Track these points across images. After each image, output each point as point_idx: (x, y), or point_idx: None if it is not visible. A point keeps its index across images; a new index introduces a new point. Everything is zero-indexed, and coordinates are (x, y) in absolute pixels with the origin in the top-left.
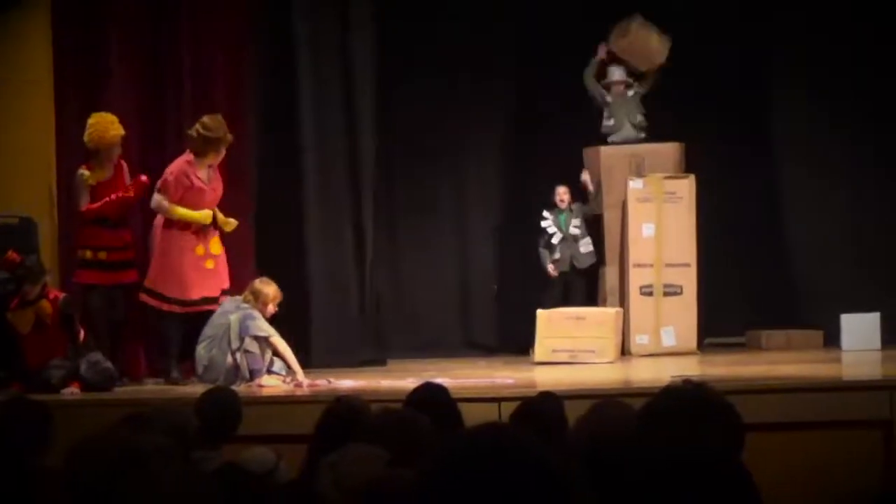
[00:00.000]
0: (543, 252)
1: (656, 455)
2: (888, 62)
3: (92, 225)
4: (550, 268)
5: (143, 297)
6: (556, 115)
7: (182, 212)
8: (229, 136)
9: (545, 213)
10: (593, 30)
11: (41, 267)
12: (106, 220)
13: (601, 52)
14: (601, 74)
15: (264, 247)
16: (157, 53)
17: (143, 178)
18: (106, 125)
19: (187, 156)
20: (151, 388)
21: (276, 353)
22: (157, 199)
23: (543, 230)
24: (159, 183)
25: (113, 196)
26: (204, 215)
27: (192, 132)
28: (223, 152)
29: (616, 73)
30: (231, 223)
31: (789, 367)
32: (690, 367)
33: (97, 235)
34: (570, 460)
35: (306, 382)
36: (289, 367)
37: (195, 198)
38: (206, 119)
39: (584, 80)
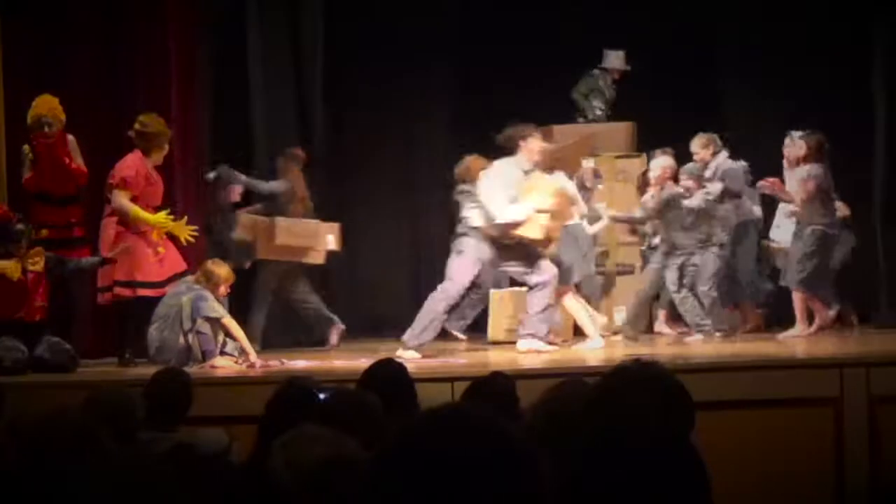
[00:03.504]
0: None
1: (606, 434)
2: (835, 48)
3: (35, 202)
4: None
5: (119, 290)
6: (507, 91)
7: (143, 215)
8: (168, 130)
9: None
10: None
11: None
12: (49, 197)
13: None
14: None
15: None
16: (108, 36)
17: (69, 136)
18: (33, 104)
19: (136, 153)
20: (104, 369)
21: (228, 334)
22: (119, 197)
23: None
24: (117, 181)
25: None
26: (160, 219)
27: (132, 132)
28: (166, 147)
29: (615, 61)
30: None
31: (740, 345)
32: (642, 347)
33: (39, 212)
34: (530, 437)
35: (259, 363)
36: (241, 347)
37: (153, 192)
38: (142, 117)
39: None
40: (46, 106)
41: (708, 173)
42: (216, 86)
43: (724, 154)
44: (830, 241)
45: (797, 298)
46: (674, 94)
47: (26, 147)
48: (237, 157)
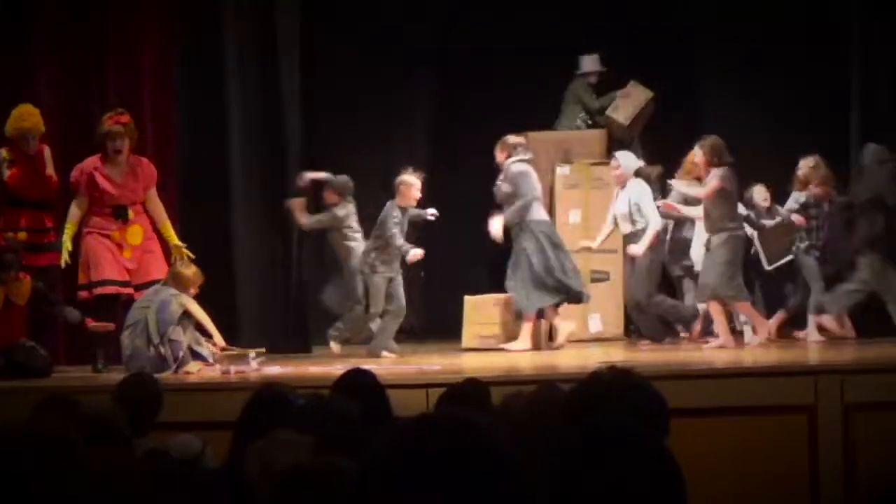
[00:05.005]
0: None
1: (580, 440)
2: (813, 54)
3: (13, 207)
4: None
5: (81, 294)
6: (483, 99)
7: (65, 230)
8: (116, 127)
9: None
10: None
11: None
12: (26, 202)
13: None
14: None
15: (191, 235)
16: (82, 42)
17: (46, 147)
18: (19, 115)
19: (96, 157)
20: (78, 375)
21: (198, 325)
22: (73, 201)
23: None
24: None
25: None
26: (65, 242)
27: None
28: (122, 144)
29: (590, 64)
30: (181, 248)
31: (715, 352)
32: (617, 353)
33: (17, 217)
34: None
35: (234, 369)
36: (206, 331)
37: (103, 195)
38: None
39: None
40: (32, 120)
41: (501, 176)
42: (190, 89)
43: (516, 158)
44: (741, 245)
45: (714, 309)
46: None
47: (4, 150)
48: None
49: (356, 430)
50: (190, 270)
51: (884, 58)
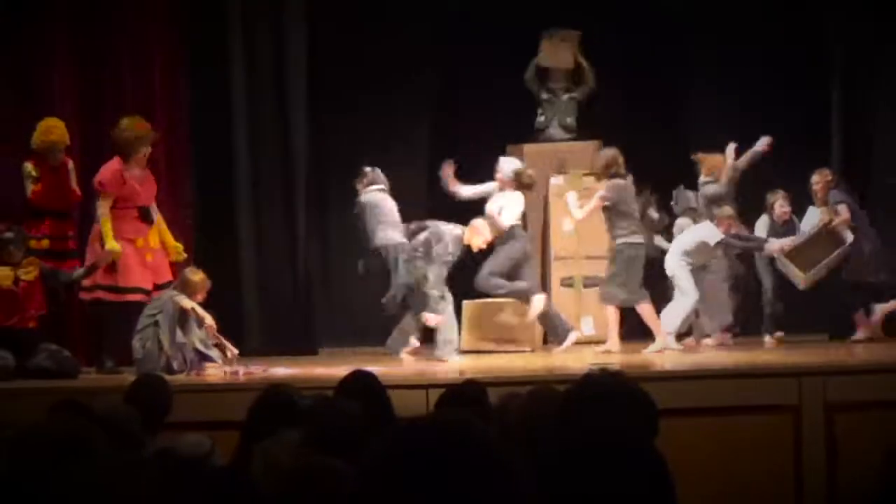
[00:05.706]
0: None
1: (573, 440)
2: (794, 66)
3: (37, 216)
4: None
5: (100, 294)
6: (483, 100)
7: (105, 230)
8: (151, 133)
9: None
10: (523, 24)
11: (23, 233)
12: (50, 212)
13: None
14: (543, 74)
15: (199, 238)
16: (94, 56)
17: (69, 161)
18: (46, 128)
19: (116, 159)
20: (90, 377)
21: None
22: (99, 203)
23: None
24: (96, 185)
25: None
26: (116, 248)
27: (114, 136)
28: (144, 150)
29: (555, 76)
30: (179, 249)
31: (701, 354)
32: (609, 355)
33: (39, 225)
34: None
35: (242, 370)
36: (198, 318)
37: (129, 196)
38: (123, 121)
39: (525, 77)
40: (58, 133)
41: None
42: (198, 90)
43: (372, 187)
44: (636, 253)
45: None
46: (637, 108)
47: (29, 164)
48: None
49: (360, 430)
50: (198, 276)
51: (864, 59)
